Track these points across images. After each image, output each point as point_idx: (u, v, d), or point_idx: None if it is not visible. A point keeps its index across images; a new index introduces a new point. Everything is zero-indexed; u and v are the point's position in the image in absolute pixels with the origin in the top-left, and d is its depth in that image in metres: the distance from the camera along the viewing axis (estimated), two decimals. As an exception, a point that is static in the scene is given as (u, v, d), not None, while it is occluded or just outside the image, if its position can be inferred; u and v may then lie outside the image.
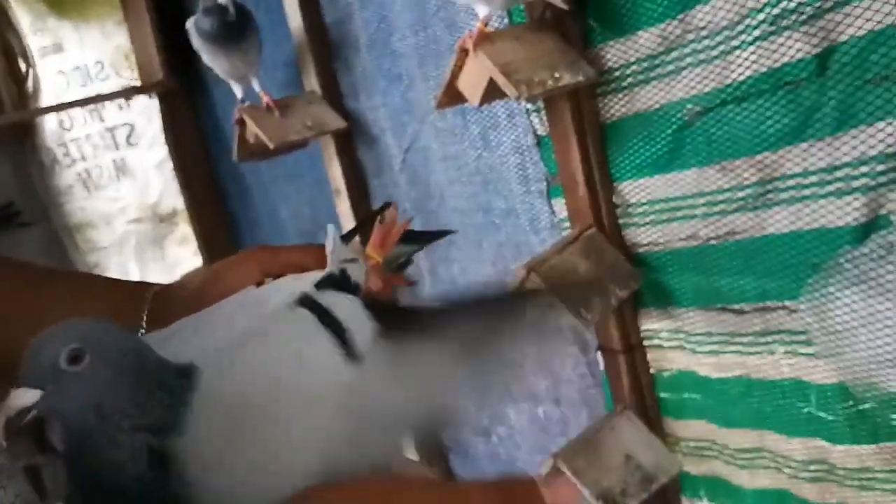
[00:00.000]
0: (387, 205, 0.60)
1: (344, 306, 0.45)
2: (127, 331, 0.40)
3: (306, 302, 0.44)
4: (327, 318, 0.43)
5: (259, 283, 0.49)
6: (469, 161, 1.24)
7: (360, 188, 1.56)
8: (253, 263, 0.49)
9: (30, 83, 2.08)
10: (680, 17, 0.87)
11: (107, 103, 2.09)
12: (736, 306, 0.91)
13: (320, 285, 0.47)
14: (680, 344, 1.00)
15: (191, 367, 0.40)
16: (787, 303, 0.85)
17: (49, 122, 2.10)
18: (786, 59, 0.77)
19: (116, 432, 0.37)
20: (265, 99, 1.43)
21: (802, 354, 0.86)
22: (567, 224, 1.06)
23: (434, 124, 1.29)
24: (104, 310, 0.46)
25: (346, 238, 0.55)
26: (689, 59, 0.88)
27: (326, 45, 1.50)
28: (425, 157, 1.35)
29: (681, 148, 0.90)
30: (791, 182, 0.81)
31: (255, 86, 1.43)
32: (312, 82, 1.52)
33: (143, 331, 0.47)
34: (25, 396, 0.36)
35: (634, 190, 0.97)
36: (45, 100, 2.08)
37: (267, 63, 1.48)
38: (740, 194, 0.86)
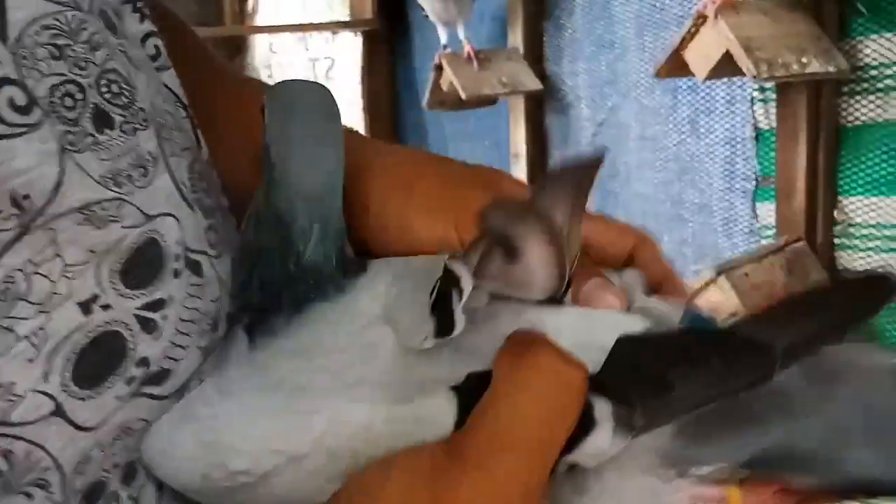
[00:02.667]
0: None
1: None
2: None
3: None
4: None
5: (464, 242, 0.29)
6: (669, 145, 1.15)
7: (541, 156, 1.50)
8: (468, 232, 0.29)
9: (250, 3, 2.18)
10: (973, 15, 0.74)
11: (315, 34, 2.15)
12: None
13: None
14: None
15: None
16: None
17: (260, 44, 2.20)
18: None
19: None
20: (467, 48, 1.40)
21: None
22: (770, 233, 0.94)
23: (638, 100, 1.21)
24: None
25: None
26: (972, 67, 0.74)
27: (539, 2, 1.44)
28: (620, 133, 1.27)
29: (937, 169, 0.77)
30: None
31: (461, 33, 1.40)
32: (517, 39, 1.47)
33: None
34: None
35: (863, 208, 0.84)
36: (261, 21, 2.18)
37: (476, 13, 1.44)
38: None
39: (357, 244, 0.32)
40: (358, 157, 0.34)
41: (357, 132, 0.38)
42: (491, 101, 1.50)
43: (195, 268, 0.29)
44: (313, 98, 0.30)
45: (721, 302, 0.88)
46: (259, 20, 2.18)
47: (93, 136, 0.26)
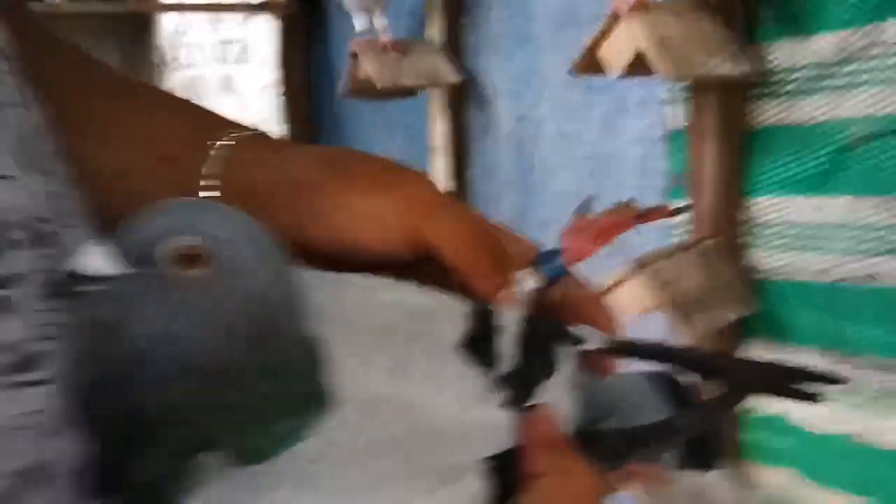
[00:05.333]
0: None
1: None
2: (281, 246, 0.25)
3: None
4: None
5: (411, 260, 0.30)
6: (584, 143, 1.16)
7: (459, 149, 1.50)
8: (413, 212, 0.30)
9: (157, -19, 2.08)
10: (868, 27, 0.77)
11: (226, 16, 2.08)
12: (858, 357, 0.81)
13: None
14: (779, 385, 0.91)
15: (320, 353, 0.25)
16: (920, 367, 0.75)
17: (167, 23, 2.10)
18: None
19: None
20: (384, 37, 1.38)
21: (923, 428, 0.76)
22: (681, 231, 0.97)
23: (555, 97, 1.22)
24: (178, 137, 0.33)
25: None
26: (867, 76, 0.78)
27: (458, -3, 1.44)
28: (537, 129, 1.28)
29: (836, 171, 0.80)
30: (961, 234, 0.71)
31: (378, 22, 1.38)
32: (435, 33, 1.46)
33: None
34: (92, 257, 0.22)
35: (770, 207, 0.88)
36: None
37: (393, 8, 1.42)
38: (894, 237, 0.76)
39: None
40: (281, 152, 0.33)
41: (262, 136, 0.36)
42: (410, 92, 1.48)
43: (46, 239, 0.25)
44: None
45: (634, 297, 0.90)
46: None
47: None
